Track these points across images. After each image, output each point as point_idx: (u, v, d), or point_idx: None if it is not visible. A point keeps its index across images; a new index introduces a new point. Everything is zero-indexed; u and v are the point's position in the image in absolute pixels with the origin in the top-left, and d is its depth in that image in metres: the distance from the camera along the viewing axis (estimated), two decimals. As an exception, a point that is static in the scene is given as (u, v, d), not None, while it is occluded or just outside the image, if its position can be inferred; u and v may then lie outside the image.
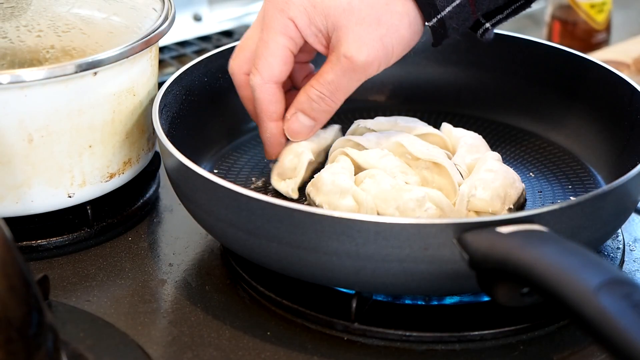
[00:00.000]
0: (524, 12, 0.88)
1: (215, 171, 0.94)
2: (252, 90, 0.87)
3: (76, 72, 0.84)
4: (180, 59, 1.27)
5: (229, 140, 0.98)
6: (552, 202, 0.89)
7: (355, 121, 0.97)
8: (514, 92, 1.01)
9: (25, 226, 0.89)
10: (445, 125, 0.96)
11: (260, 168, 0.96)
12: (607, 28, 1.33)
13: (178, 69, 0.95)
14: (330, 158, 0.92)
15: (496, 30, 1.03)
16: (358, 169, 0.89)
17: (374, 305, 0.80)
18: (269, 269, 0.80)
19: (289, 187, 0.90)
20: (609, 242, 0.88)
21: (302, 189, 0.91)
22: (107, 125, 0.88)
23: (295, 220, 0.74)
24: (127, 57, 0.87)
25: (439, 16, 0.83)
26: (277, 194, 0.91)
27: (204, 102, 0.96)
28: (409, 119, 0.96)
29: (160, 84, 0.93)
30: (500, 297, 0.70)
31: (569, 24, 1.31)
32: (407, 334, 0.77)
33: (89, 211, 0.90)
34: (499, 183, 0.87)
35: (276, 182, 0.92)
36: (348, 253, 0.73)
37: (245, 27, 1.36)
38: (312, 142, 0.92)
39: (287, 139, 0.90)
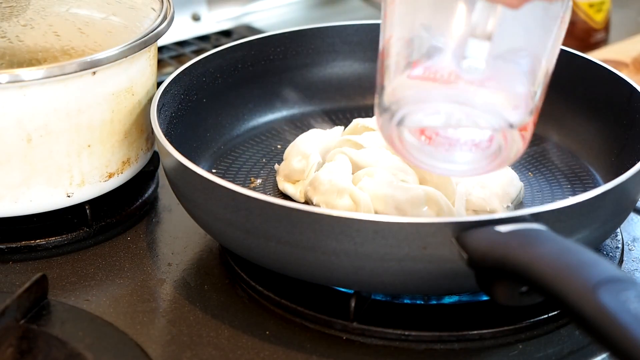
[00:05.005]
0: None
1: (214, 171, 0.94)
2: None
3: (75, 72, 0.84)
4: (179, 58, 1.27)
5: (228, 139, 0.98)
6: (551, 201, 0.89)
7: (354, 120, 0.97)
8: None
9: (24, 226, 0.89)
10: (443, 125, 0.96)
11: (259, 168, 0.96)
12: (606, 27, 1.33)
13: (177, 69, 0.95)
14: (328, 157, 0.92)
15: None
16: (356, 167, 0.89)
17: (372, 305, 0.80)
18: (268, 268, 0.80)
19: (297, 190, 0.90)
20: (607, 241, 0.88)
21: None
22: (106, 125, 0.88)
23: (294, 220, 0.74)
24: (126, 56, 0.87)
25: None
26: (277, 194, 0.91)
27: (202, 102, 0.96)
28: (407, 118, 0.96)
29: (159, 84, 0.93)
30: (499, 296, 0.70)
31: (567, 24, 1.31)
32: (406, 333, 0.77)
33: (88, 211, 0.90)
34: (497, 181, 0.87)
35: (283, 185, 0.92)
36: (346, 252, 0.73)
37: (244, 27, 1.36)
38: (319, 144, 0.92)
39: None
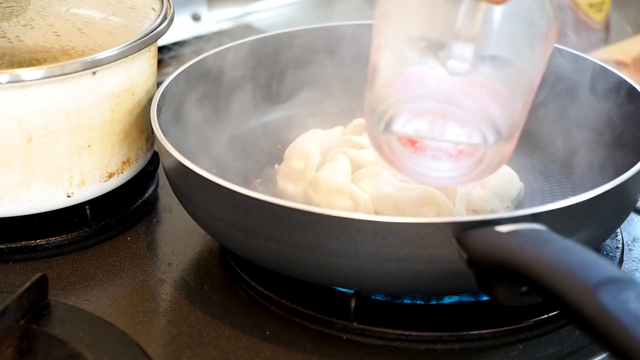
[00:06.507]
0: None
1: (214, 170, 0.94)
2: None
3: (75, 72, 0.84)
4: (179, 58, 1.27)
5: (228, 139, 0.98)
6: (551, 201, 0.89)
7: (354, 120, 0.97)
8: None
9: (24, 226, 0.89)
10: (443, 125, 0.96)
11: (259, 167, 0.96)
12: (606, 27, 1.33)
13: (177, 69, 0.95)
14: (328, 157, 0.92)
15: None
16: (356, 167, 0.89)
17: (372, 305, 0.80)
18: (268, 268, 0.80)
19: (297, 190, 0.90)
20: (608, 241, 0.88)
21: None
22: (106, 125, 0.88)
23: (294, 220, 0.74)
24: (126, 56, 0.87)
25: None
26: (277, 194, 0.91)
27: (202, 102, 0.96)
28: (407, 118, 0.96)
29: (159, 84, 0.93)
30: (499, 296, 0.70)
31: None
32: (406, 333, 0.77)
33: (88, 211, 0.90)
34: (497, 181, 0.87)
35: (283, 185, 0.91)
36: (347, 252, 0.73)
37: (244, 27, 1.36)
38: (319, 144, 0.92)
39: None
